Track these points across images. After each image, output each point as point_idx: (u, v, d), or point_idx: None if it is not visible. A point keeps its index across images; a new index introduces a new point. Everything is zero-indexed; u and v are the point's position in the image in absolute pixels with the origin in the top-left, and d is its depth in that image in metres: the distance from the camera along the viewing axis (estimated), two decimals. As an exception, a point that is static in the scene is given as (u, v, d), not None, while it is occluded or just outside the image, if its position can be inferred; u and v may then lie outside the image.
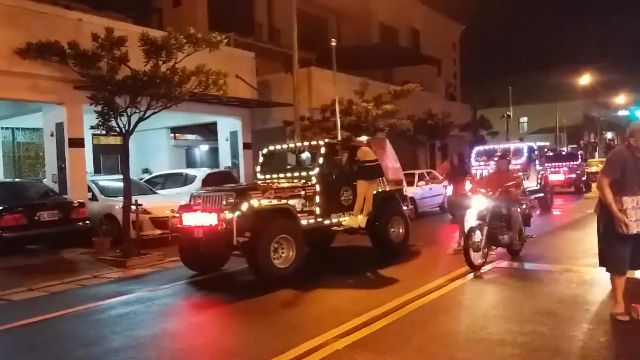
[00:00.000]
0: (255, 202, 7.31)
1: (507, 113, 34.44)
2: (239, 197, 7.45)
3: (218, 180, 12.30)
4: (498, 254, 8.76)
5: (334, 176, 8.71)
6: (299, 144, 9.74)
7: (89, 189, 12.23)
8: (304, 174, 8.67)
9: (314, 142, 9.46)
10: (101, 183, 12.54)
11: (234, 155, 17.74)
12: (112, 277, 8.42)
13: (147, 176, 16.35)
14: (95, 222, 11.34)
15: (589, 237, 8.32)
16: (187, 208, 7.90)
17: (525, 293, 6.35)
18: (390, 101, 17.00)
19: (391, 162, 9.77)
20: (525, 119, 58.27)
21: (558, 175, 20.62)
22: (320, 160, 8.69)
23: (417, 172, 16.23)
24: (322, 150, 8.80)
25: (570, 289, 6.43)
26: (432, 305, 5.92)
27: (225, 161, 17.98)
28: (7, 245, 9.83)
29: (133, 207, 9.56)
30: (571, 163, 22.53)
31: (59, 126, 12.54)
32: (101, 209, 11.66)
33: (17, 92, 11.61)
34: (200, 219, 7.41)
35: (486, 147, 17.55)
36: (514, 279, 7.22)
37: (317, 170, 8.53)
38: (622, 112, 61.29)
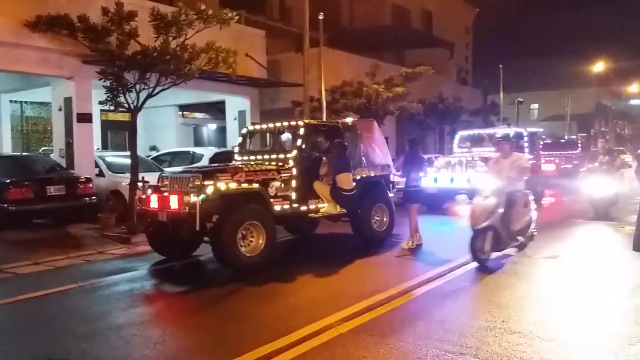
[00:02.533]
0: (222, 185, 6.86)
1: (519, 99, 34.03)
2: (206, 179, 6.98)
3: (225, 159, 12.23)
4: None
5: (312, 159, 8.18)
6: (278, 124, 8.90)
7: (96, 165, 12.21)
8: (281, 156, 8.11)
9: (293, 123, 8.71)
10: (108, 159, 12.51)
11: (242, 134, 17.63)
12: (117, 254, 8.45)
13: (154, 153, 16.33)
14: (102, 198, 11.33)
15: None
16: (155, 189, 7.59)
17: (532, 281, 6.30)
18: (402, 83, 16.80)
19: (378, 145, 9.32)
20: (536, 105, 57.61)
21: (549, 165, 18.64)
22: (299, 141, 8.12)
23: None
24: (301, 131, 8.20)
25: (575, 275, 6.37)
26: (436, 291, 5.87)
27: (233, 141, 17.88)
28: (13, 219, 9.84)
29: (140, 184, 9.53)
30: (569, 152, 21.14)
31: (67, 101, 12.47)
32: (108, 185, 11.65)
33: (26, 65, 11.52)
34: (164, 202, 7.07)
35: (470, 132, 16.08)
36: (520, 266, 7.15)
37: (294, 152, 7.99)
38: (634, 102, 60.60)
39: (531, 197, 7.80)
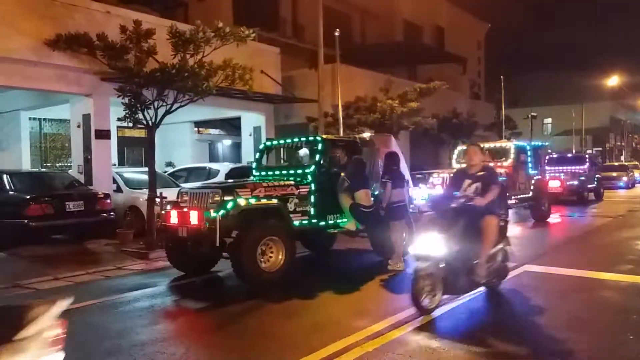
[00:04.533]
0: (242, 201, 6.87)
1: (532, 114, 33.91)
2: (226, 194, 6.98)
3: (241, 175, 12.26)
4: (528, 256, 8.60)
5: (330, 174, 8.09)
6: (296, 139, 8.91)
7: (114, 181, 12.30)
8: (299, 171, 8.12)
9: (311, 138, 8.77)
10: (126, 175, 12.60)
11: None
12: (136, 269, 8.44)
13: (170, 169, 16.42)
14: (120, 214, 11.39)
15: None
16: (175, 205, 7.58)
17: (559, 299, 6.18)
18: (416, 99, 16.81)
19: None
20: (549, 120, 57.34)
21: (554, 182, 16.95)
22: (317, 157, 8.09)
23: None
24: (319, 146, 8.18)
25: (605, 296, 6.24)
26: (461, 310, 5.75)
27: (248, 156, 17.96)
28: (33, 235, 9.92)
29: (157, 200, 9.56)
30: (576, 168, 19.58)
31: (86, 117, 12.63)
32: (125, 200, 11.72)
33: (45, 83, 11.72)
34: (184, 217, 7.06)
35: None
36: (546, 283, 7.01)
37: (312, 167, 7.97)
38: (649, 116, 60.10)
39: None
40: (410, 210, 9.28)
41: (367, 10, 30.64)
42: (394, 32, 31.54)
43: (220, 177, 13.06)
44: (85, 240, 10.72)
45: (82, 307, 6.20)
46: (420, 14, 33.28)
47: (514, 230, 12.49)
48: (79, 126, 12.83)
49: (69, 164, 15.16)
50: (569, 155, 23.15)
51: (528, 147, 14.04)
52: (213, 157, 22.75)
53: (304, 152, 8.96)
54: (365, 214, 8.00)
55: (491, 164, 7.11)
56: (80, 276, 7.88)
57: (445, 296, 5.79)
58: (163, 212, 7.69)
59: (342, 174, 8.22)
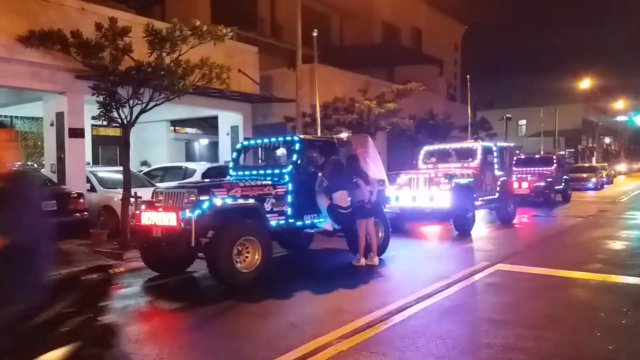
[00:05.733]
0: (218, 201, 6.85)
1: (507, 115, 34.41)
2: (202, 194, 6.92)
3: (218, 174, 12.19)
4: (499, 255, 8.76)
5: (307, 174, 8.12)
6: (273, 139, 8.85)
7: (88, 180, 12.11)
8: (277, 171, 8.10)
9: (288, 138, 8.74)
10: (100, 174, 12.41)
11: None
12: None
13: (145, 169, 16.24)
14: (93, 214, 11.22)
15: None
16: (149, 205, 7.51)
17: (530, 297, 6.31)
18: (393, 100, 16.93)
19: (373, 160, 9.26)
20: (524, 121, 58.25)
21: (520, 183, 16.99)
22: (295, 156, 8.09)
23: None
24: (297, 146, 8.18)
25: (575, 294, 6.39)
26: (435, 308, 5.84)
27: (225, 156, 17.86)
28: (3, 235, 9.70)
29: (132, 200, 9.46)
30: (543, 169, 19.54)
31: (60, 116, 12.40)
32: (99, 200, 11.55)
33: (18, 80, 11.45)
34: (158, 218, 6.99)
35: (436, 146, 14.57)
36: (518, 282, 7.15)
37: (290, 167, 7.99)
38: (620, 118, 61.58)
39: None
40: (386, 210, 9.39)
41: (346, 11, 30.76)
42: (372, 33, 31.74)
43: (196, 177, 12.96)
44: (58, 241, 10.52)
45: (54, 308, 6.10)
46: (398, 16, 33.53)
47: (487, 230, 12.69)
48: (52, 124, 12.59)
49: (42, 163, 14.88)
50: (537, 156, 22.92)
51: (494, 148, 13.73)
52: (190, 157, 22.57)
53: (281, 151, 8.92)
54: (342, 215, 8.05)
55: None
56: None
57: (417, 295, 5.87)
58: (137, 212, 7.58)
59: (320, 174, 8.26)
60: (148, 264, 7.80)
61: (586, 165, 34.69)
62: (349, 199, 8.16)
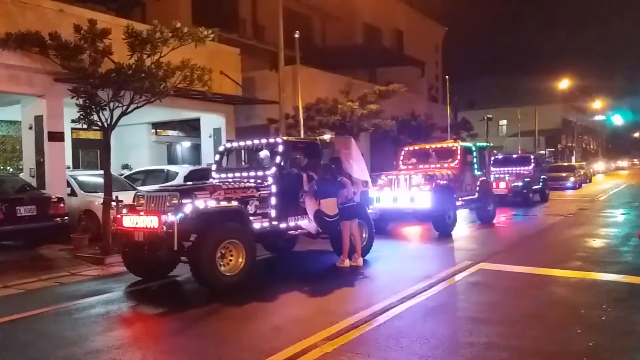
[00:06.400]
0: (201, 204, 6.78)
1: (488, 116, 34.72)
2: (184, 197, 6.86)
3: (200, 177, 12.10)
4: (481, 255, 8.85)
5: (291, 176, 8.09)
6: (256, 141, 8.77)
7: (68, 184, 11.95)
8: (259, 173, 8.04)
9: (271, 140, 8.67)
10: (80, 178, 12.26)
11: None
12: (91, 275, 8.24)
13: (127, 172, 16.07)
14: (74, 218, 11.08)
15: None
16: (131, 209, 7.43)
17: (512, 295, 6.38)
18: (375, 101, 17.01)
19: (356, 162, 9.22)
20: (504, 122, 58.85)
21: (498, 183, 17.11)
22: (278, 158, 8.04)
23: None
24: (280, 148, 8.13)
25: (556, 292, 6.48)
26: (419, 308, 5.88)
27: (208, 158, 17.76)
28: (-19, 241, 9.54)
29: (113, 204, 9.34)
30: (520, 169, 19.54)
31: (38, 119, 12.23)
32: (80, 204, 11.40)
33: (-6, 83, 11.28)
34: (140, 221, 6.91)
35: (416, 147, 14.43)
36: (500, 281, 7.23)
37: (273, 169, 7.94)
38: (598, 117, 62.64)
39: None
40: (370, 211, 9.42)
41: (328, 12, 30.81)
42: (354, 34, 31.82)
43: (178, 180, 12.85)
44: (38, 246, 10.38)
45: (35, 315, 6.02)
46: (379, 17, 33.67)
47: (468, 229, 12.81)
48: (30, 128, 12.41)
49: (20, 167, 14.64)
50: (514, 156, 22.84)
51: (473, 148, 13.71)
52: (172, 159, 22.38)
53: (264, 154, 8.84)
54: (328, 224, 8.07)
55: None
56: (32, 283, 7.64)
57: (401, 295, 5.90)
58: (119, 215, 7.50)
59: (305, 175, 8.21)
60: (130, 269, 7.71)
61: (565, 164, 35.11)
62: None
